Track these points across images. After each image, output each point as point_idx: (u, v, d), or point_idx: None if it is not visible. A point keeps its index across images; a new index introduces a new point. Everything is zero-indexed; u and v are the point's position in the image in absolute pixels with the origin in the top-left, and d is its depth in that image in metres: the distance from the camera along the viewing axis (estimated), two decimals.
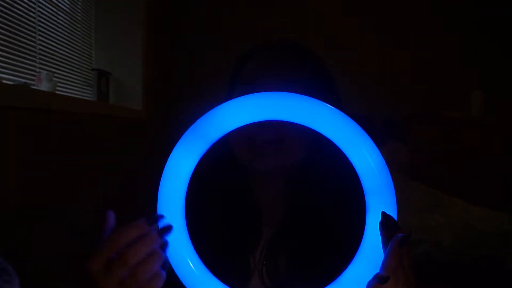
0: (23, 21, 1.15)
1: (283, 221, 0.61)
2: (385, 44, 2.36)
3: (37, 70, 1.24)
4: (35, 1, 1.22)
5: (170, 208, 0.43)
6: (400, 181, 1.57)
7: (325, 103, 0.41)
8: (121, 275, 0.38)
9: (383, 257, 0.39)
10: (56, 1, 1.37)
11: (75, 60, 1.56)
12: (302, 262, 0.57)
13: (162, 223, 0.42)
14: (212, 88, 1.23)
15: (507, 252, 1.25)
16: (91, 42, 1.74)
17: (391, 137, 2.04)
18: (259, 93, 0.42)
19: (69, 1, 1.50)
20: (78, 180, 1.18)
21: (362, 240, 0.42)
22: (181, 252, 0.44)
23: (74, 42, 1.55)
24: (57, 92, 1.28)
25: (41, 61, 1.27)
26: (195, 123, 0.43)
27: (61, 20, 1.42)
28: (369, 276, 0.39)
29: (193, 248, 0.45)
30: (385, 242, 0.39)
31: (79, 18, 1.61)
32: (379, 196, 0.40)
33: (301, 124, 0.42)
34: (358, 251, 0.42)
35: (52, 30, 1.35)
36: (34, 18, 1.22)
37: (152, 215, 0.41)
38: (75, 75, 1.55)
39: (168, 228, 0.42)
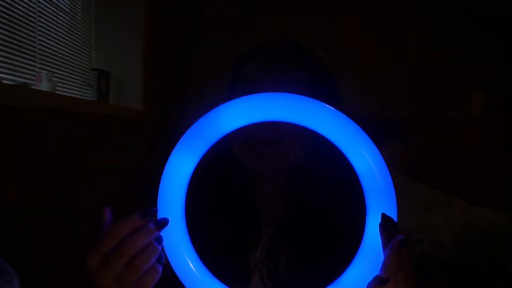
0: (23, 21, 1.15)
1: (283, 221, 0.61)
2: (385, 44, 2.36)
3: (37, 70, 1.24)
4: (35, 1, 1.22)
5: (170, 208, 0.43)
6: (400, 181, 1.57)
7: (324, 104, 0.41)
8: (118, 268, 0.38)
9: (383, 258, 0.39)
10: (56, 1, 1.37)
11: (75, 60, 1.56)
12: (302, 262, 0.57)
13: (158, 217, 0.42)
14: (212, 88, 1.23)
15: (507, 252, 1.25)
16: (91, 42, 1.74)
17: (391, 137, 2.03)
18: (259, 94, 0.42)
19: (69, 1, 1.50)
20: (78, 180, 1.18)
21: (362, 241, 0.42)
22: (181, 252, 0.44)
23: (74, 42, 1.55)
24: (57, 92, 1.28)
25: (41, 61, 1.27)
26: (195, 123, 0.43)
27: (61, 20, 1.42)
28: (369, 277, 0.39)
29: (193, 248, 0.45)
30: (385, 244, 0.39)
31: (79, 18, 1.61)
32: (379, 197, 0.40)
33: (301, 124, 0.42)
34: (358, 252, 0.42)
35: (52, 30, 1.35)
36: (34, 18, 1.22)
37: (147, 209, 0.41)
38: (75, 75, 1.55)
39: (164, 222, 0.42)
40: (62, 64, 1.43)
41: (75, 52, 1.56)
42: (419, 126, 2.16)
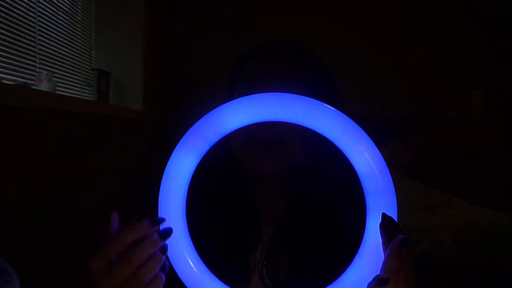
0: (23, 21, 1.15)
1: (283, 221, 0.61)
2: (385, 44, 2.36)
3: (37, 70, 1.24)
4: (35, 1, 1.22)
5: (170, 208, 0.43)
6: (400, 181, 1.57)
7: (325, 104, 0.41)
8: (123, 276, 0.39)
9: (383, 258, 0.39)
10: (56, 1, 1.37)
11: (75, 60, 1.56)
12: (302, 262, 0.57)
13: (163, 227, 0.42)
14: (212, 88, 1.23)
15: (507, 252, 1.25)
16: (91, 42, 1.74)
17: (391, 137, 2.03)
18: (259, 94, 0.42)
19: (69, 1, 1.50)
20: (78, 180, 1.18)
21: (363, 241, 0.42)
22: (182, 252, 0.44)
23: (74, 42, 1.55)
24: (57, 92, 1.28)
25: (41, 61, 1.27)
26: (196, 123, 0.43)
27: (61, 20, 1.42)
28: (369, 278, 0.39)
29: (193, 248, 0.45)
30: (386, 244, 0.39)
31: (79, 18, 1.61)
32: (380, 197, 0.40)
33: (301, 124, 0.42)
34: (358, 252, 0.42)
35: (52, 30, 1.35)
36: (34, 18, 1.22)
37: (155, 218, 0.42)
38: (75, 75, 1.55)
39: (168, 232, 0.42)
40: (62, 64, 1.43)
41: (75, 52, 1.56)
42: (419, 126, 2.17)
